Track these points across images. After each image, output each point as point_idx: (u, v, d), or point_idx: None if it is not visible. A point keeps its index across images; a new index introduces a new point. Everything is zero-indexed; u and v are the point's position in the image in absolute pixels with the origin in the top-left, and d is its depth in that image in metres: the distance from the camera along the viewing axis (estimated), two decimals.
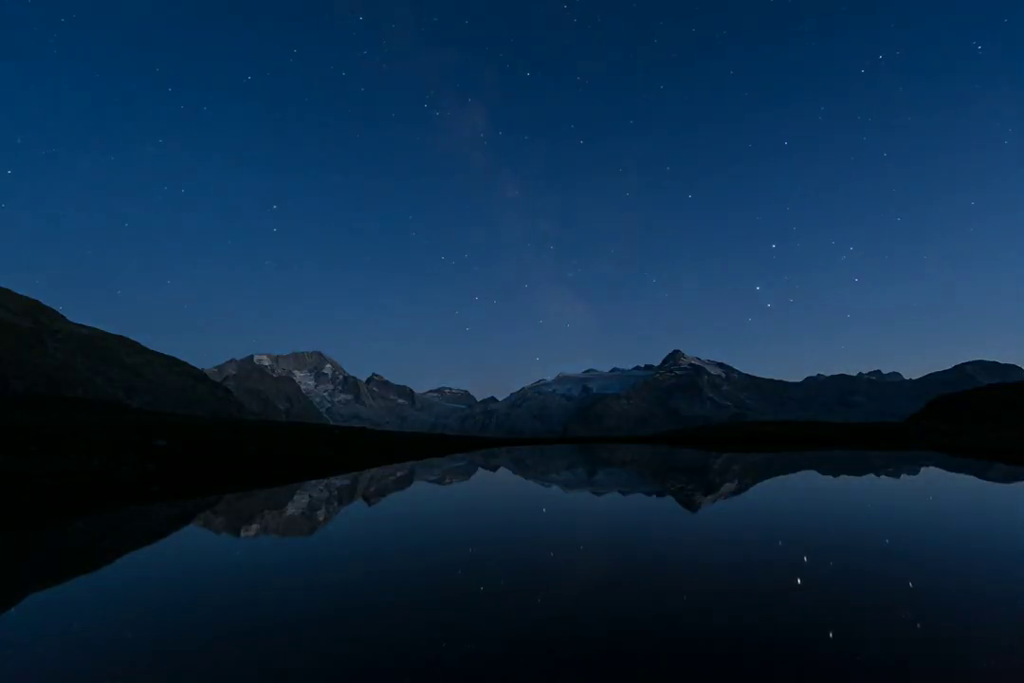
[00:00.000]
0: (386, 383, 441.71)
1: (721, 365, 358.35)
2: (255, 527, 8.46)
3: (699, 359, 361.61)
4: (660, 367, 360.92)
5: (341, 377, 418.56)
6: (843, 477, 15.99)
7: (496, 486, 14.83)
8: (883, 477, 15.68)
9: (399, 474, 19.02)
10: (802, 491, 12.19)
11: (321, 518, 9.25)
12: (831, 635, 3.50)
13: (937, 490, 11.99)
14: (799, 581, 4.70)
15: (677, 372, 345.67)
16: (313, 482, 16.37)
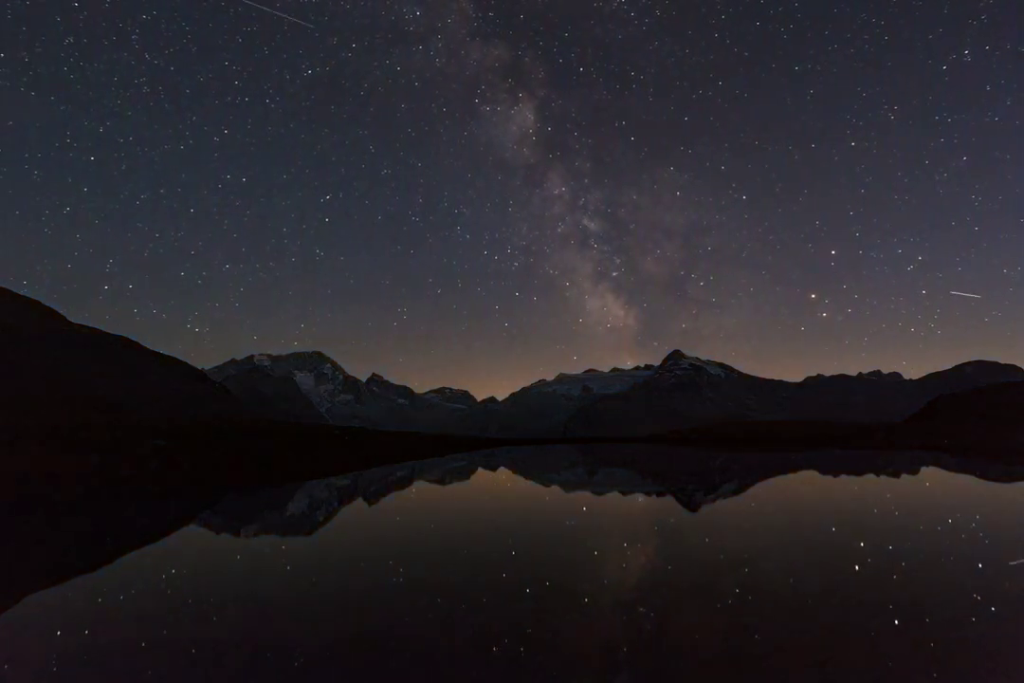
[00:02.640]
0: (386, 383, 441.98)
1: (721, 365, 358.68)
2: (256, 527, 8.46)
3: (699, 359, 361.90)
4: (660, 367, 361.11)
5: (341, 377, 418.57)
6: (843, 478, 15.98)
7: (496, 486, 14.82)
8: (883, 478, 15.68)
9: (399, 474, 19.01)
10: (802, 492, 12.19)
11: (320, 519, 9.25)
12: (833, 635, 3.50)
13: (937, 491, 11.98)
14: (799, 582, 4.70)
15: (677, 372, 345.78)
16: (314, 482, 16.37)
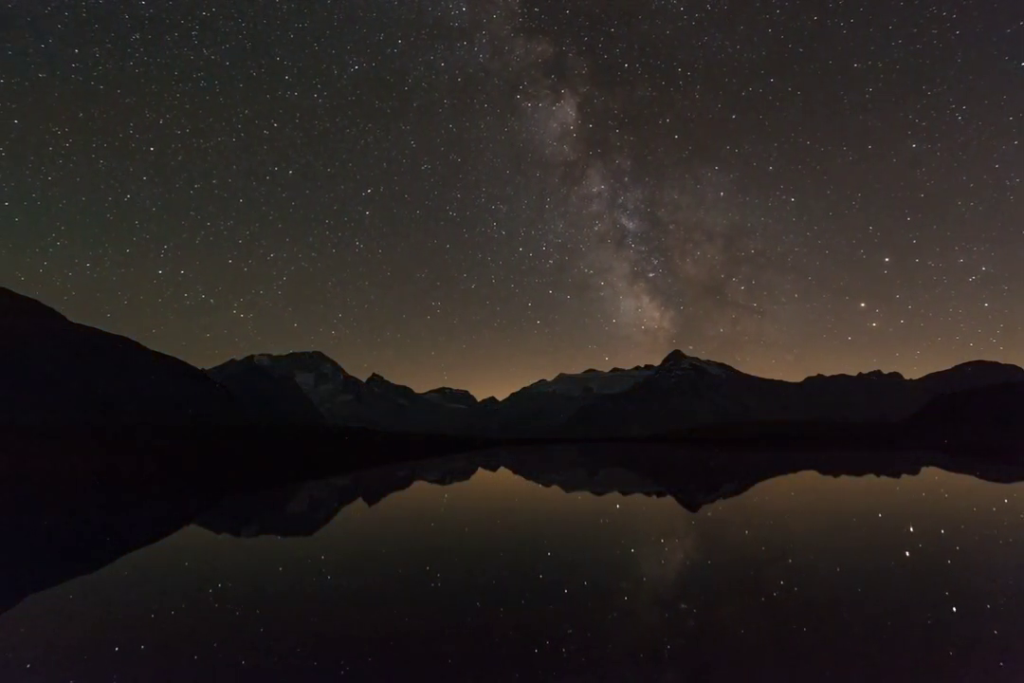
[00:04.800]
0: (386, 383, 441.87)
1: (721, 365, 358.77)
2: (256, 527, 8.45)
3: (699, 359, 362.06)
4: (660, 367, 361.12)
5: (341, 377, 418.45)
6: (844, 478, 15.97)
7: (497, 487, 14.80)
8: (883, 478, 15.66)
9: (400, 474, 19.01)
10: (803, 493, 12.17)
11: (321, 519, 9.24)
12: (833, 636, 3.50)
13: (938, 491, 11.96)
14: (799, 582, 4.69)
15: (677, 372, 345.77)
16: (314, 482, 16.38)
